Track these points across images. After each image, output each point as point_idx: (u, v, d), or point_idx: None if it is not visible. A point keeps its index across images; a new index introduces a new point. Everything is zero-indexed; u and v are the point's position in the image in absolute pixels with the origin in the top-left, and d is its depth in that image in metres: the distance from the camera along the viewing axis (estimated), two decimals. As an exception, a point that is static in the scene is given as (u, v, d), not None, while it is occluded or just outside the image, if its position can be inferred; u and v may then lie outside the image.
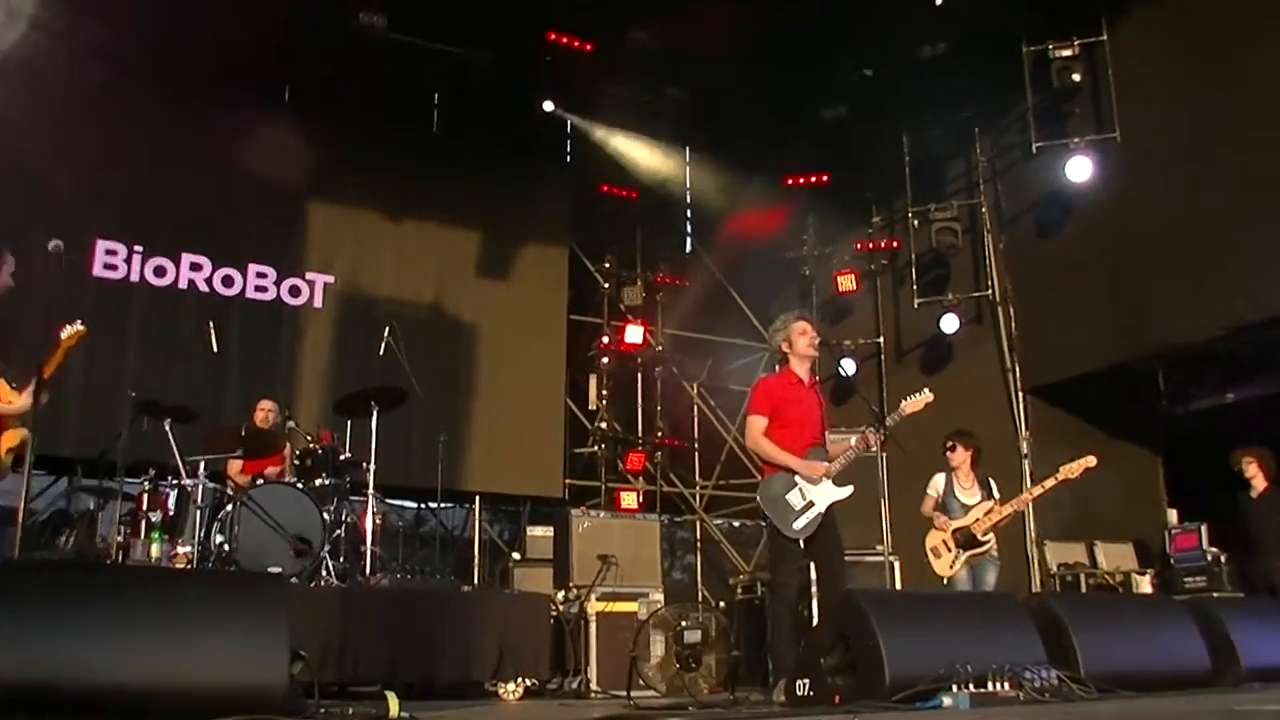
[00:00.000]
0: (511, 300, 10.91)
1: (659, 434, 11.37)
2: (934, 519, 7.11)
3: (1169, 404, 10.34)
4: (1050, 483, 6.88)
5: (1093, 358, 9.60)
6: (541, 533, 9.40)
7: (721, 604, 9.10)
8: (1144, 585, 9.25)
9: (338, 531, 6.98)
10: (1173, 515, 10.00)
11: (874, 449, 5.55)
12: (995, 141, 10.73)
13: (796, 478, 5.52)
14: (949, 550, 7.02)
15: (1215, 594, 8.62)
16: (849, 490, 5.56)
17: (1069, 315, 9.79)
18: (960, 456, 7.22)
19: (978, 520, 7.04)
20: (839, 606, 4.72)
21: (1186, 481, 9.85)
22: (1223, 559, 8.96)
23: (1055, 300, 9.95)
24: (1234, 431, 9.11)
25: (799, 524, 5.43)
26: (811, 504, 5.45)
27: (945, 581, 7.00)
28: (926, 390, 5.80)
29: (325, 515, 6.83)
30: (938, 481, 7.23)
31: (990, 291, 10.52)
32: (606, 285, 11.43)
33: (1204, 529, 9.09)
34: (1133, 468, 10.07)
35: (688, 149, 12.21)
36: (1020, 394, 10.21)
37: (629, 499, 10.77)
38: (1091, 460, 6.85)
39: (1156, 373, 9.85)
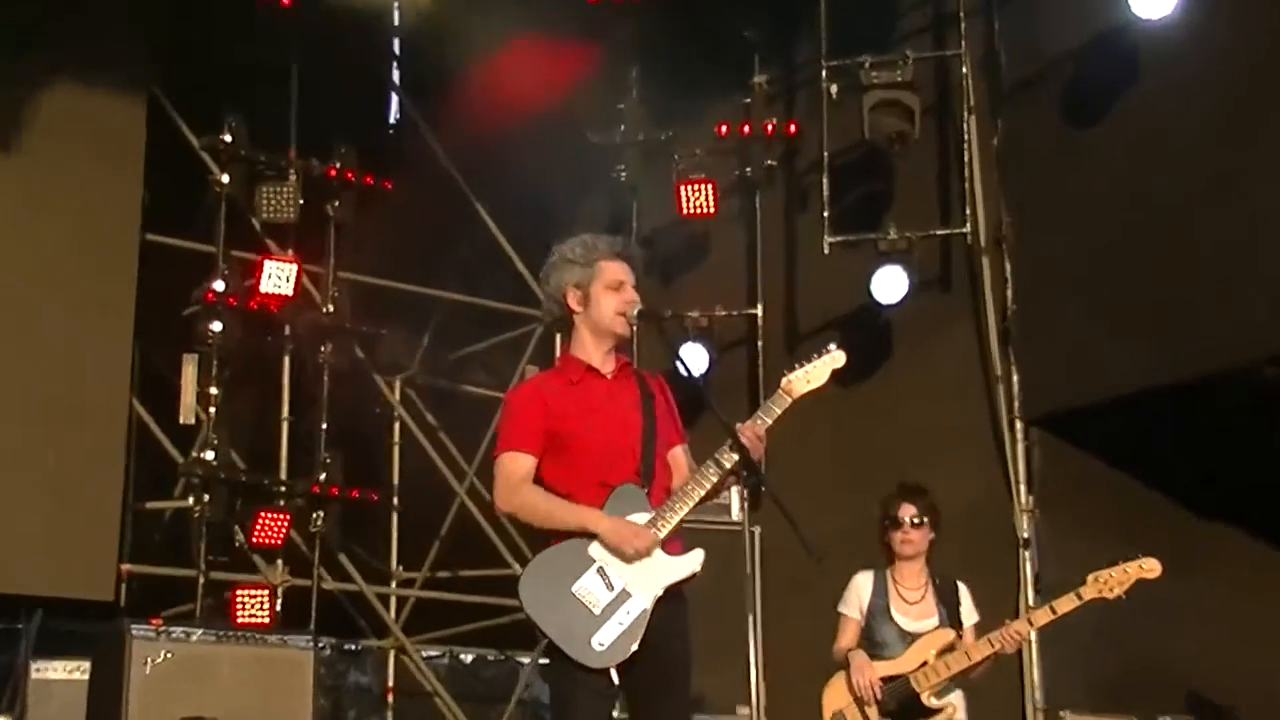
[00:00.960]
0: (19, 196, 10.14)
1: (321, 477, 10.69)
2: (847, 658, 6.99)
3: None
4: (1068, 605, 6.82)
5: (1160, 363, 9.29)
6: (66, 674, 8.90)
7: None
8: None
9: None
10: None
11: (751, 458, 5.40)
12: (993, -64, 10.87)
13: (593, 547, 5.37)
14: None
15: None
16: (696, 559, 5.45)
17: (1121, 279, 9.53)
18: (914, 540, 7.09)
19: (925, 665, 6.88)
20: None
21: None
22: None
23: (1095, 249, 9.77)
24: None
25: (604, 638, 5.28)
26: (626, 594, 5.34)
27: None
28: (833, 347, 5.67)
29: None
30: (860, 587, 7.11)
31: (969, 228, 10.19)
32: (226, 180, 10.68)
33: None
34: (1233, 579, 9.49)
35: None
36: (1019, 425, 10.00)
37: (255, 605, 10.17)
38: (1153, 567, 6.74)
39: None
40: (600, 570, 5.37)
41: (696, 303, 10.92)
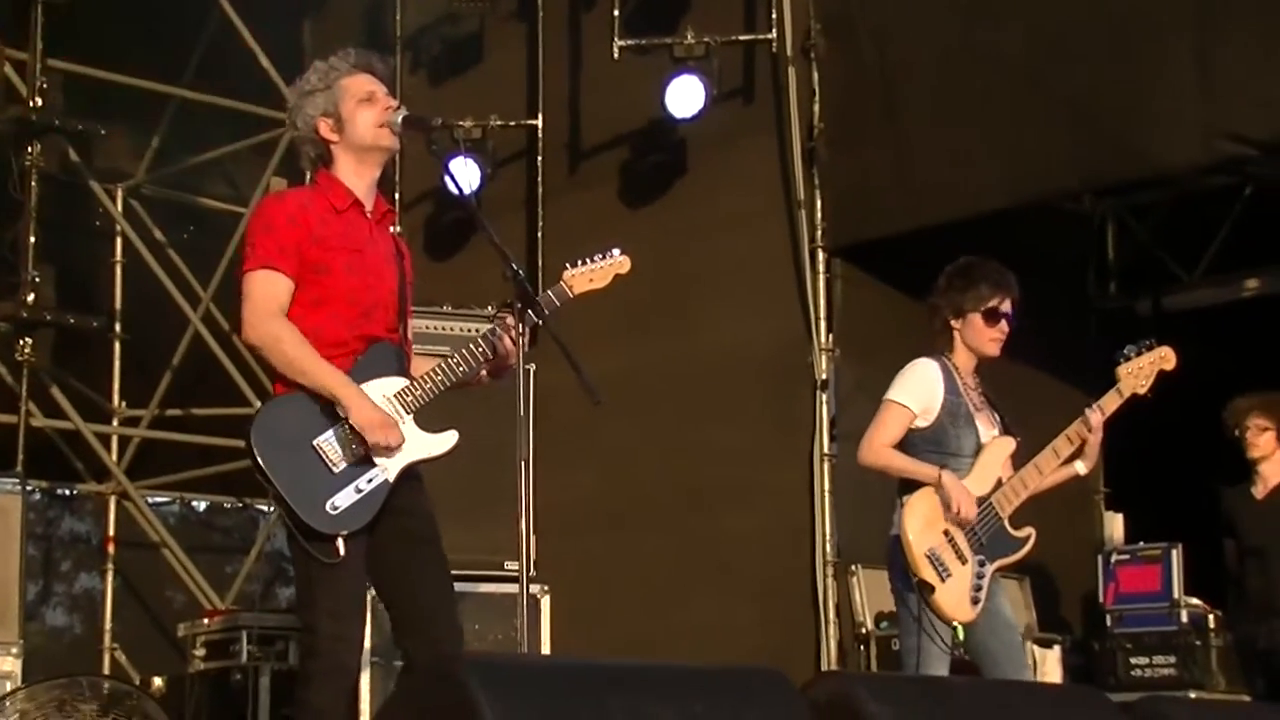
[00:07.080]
0: None
1: (29, 298, 10.57)
2: (940, 479, 6.56)
3: (1120, 291, 10.45)
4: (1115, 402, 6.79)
5: (978, 190, 9.44)
6: None
7: (159, 681, 9.56)
8: (1049, 666, 9.66)
9: None
10: (1115, 523, 10.34)
11: (508, 362, 5.68)
12: None
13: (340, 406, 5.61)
14: (959, 557, 6.54)
15: (1193, 692, 9.08)
16: (449, 441, 5.68)
17: (937, 99, 9.70)
18: (1003, 340, 6.80)
19: (1001, 485, 6.63)
20: (433, 683, 4.46)
21: (1148, 457, 9.96)
22: (1210, 621, 9.40)
23: (914, 64, 9.87)
24: (1248, 357, 9.49)
25: (340, 501, 5.47)
26: (370, 461, 5.51)
27: (960, 635, 6.64)
28: (617, 252, 5.91)
29: None
30: (930, 376, 6.71)
31: (775, 34, 10.23)
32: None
33: (1176, 555, 9.49)
34: (1035, 421, 9.70)
35: None
36: (821, 256, 10.13)
37: (-50, 445, 10.15)
38: (1167, 356, 6.86)
39: (1103, 223, 10.02)
40: (344, 430, 5.48)
41: (468, 111, 10.83)
